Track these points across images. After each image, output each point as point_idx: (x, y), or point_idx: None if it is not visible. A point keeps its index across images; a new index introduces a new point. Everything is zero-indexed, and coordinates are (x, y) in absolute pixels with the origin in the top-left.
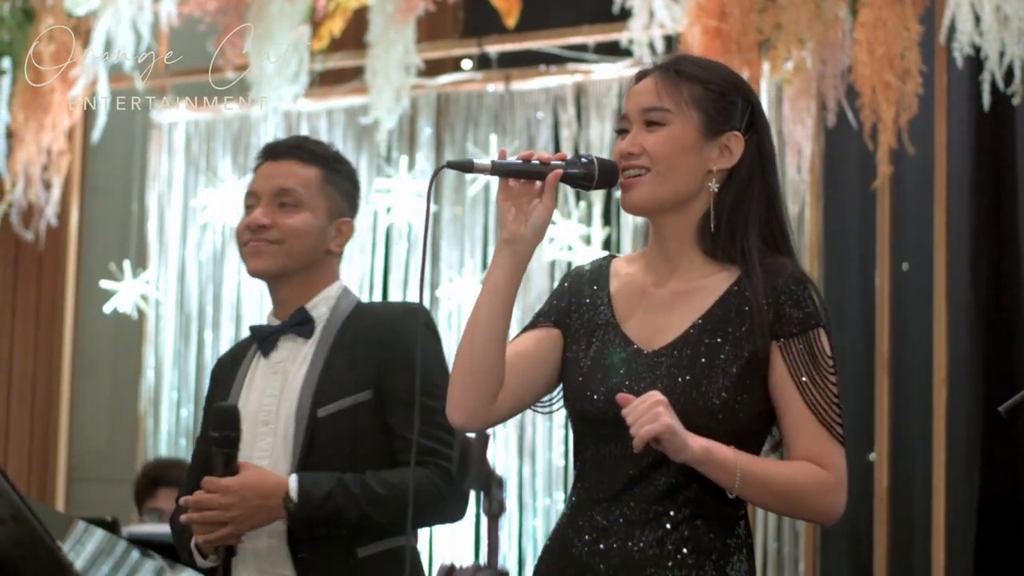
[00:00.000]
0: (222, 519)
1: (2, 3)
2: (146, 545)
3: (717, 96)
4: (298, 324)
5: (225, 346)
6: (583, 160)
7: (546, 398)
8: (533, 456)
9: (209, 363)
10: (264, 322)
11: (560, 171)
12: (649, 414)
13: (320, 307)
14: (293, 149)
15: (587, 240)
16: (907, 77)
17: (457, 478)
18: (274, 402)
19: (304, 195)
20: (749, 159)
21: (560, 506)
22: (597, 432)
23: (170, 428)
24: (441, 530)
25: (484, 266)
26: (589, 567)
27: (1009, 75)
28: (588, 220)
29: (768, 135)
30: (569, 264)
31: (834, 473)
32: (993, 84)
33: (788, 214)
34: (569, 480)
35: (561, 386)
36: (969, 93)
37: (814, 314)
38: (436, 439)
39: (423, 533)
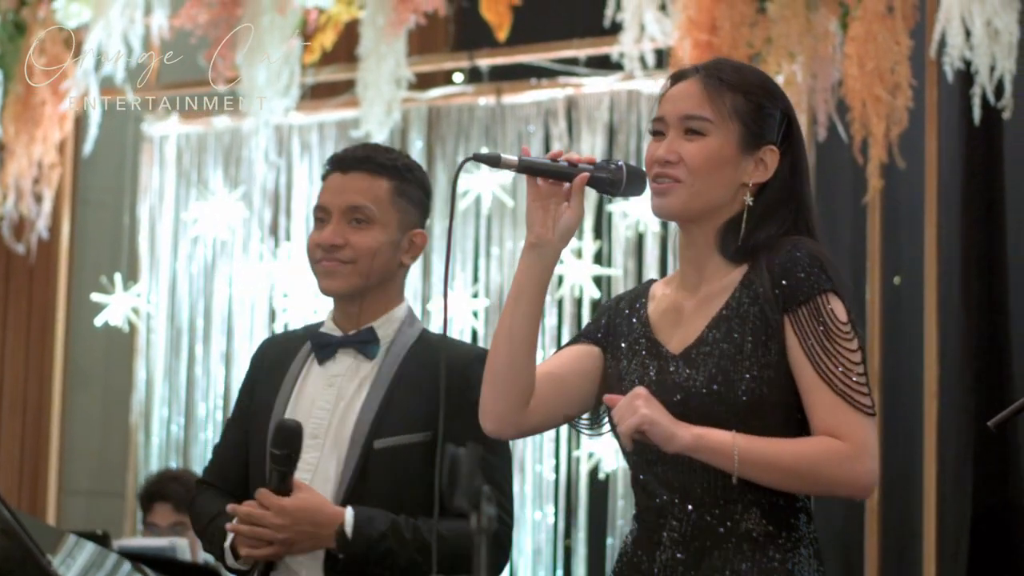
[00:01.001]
0: (270, 538)
1: None
2: (137, 559)
3: (756, 108)
4: (363, 342)
5: (216, 359)
6: (612, 166)
7: (586, 417)
8: (523, 469)
9: (200, 377)
10: (319, 325)
11: (587, 175)
12: (628, 409)
13: (386, 328)
14: (363, 162)
15: (578, 253)
16: (897, 91)
17: (446, 494)
18: (326, 416)
19: (376, 211)
20: (783, 173)
21: (551, 519)
22: (638, 444)
23: (161, 441)
24: None
25: (475, 279)
26: None
27: (999, 89)
28: (579, 234)
29: (802, 145)
30: (560, 278)
31: (852, 443)
32: (984, 98)
33: (817, 218)
34: (560, 493)
35: (603, 406)
36: (960, 107)
37: (821, 281)
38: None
39: None
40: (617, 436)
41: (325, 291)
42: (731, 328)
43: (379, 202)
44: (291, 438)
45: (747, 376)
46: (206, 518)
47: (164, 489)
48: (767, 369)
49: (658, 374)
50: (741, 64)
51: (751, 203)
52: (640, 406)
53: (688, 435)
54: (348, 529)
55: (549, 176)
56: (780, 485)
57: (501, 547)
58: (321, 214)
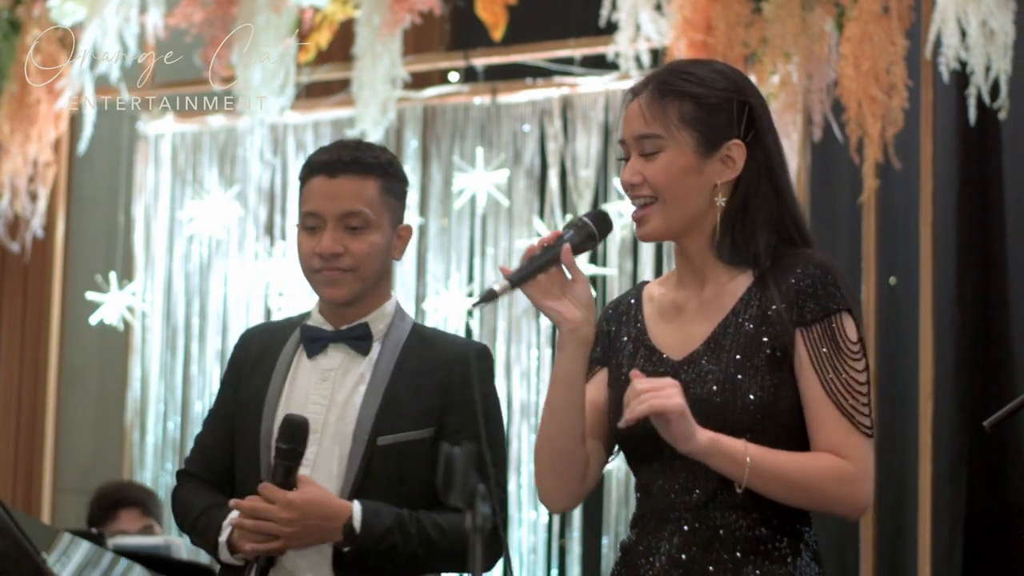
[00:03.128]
0: (276, 532)
1: None
2: (131, 557)
3: (710, 108)
4: (357, 338)
5: (211, 358)
6: (578, 225)
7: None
8: (518, 469)
9: (196, 375)
10: (305, 316)
11: (569, 246)
12: (663, 393)
13: (378, 323)
14: (350, 164)
15: None
16: (893, 92)
17: (441, 493)
18: (322, 411)
19: (371, 215)
20: (755, 163)
21: (545, 519)
22: (642, 450)
23: (156, 440)
24: None
25: (470, 279)
26: None
27: (995, 90)
28: None
29: (771, 131)
30: None
31: (855, 464)
32: (979, 99)
33: (800, 207)
34: None
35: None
36: (955, 107)
37: (836, 299)
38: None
39: None
40: (624, 438)
41: (330, 300)
42: (738, 337)
43: (372, 205)
44: (297, 433)
45: (753, 385)
46: (195, 510)
47: (129, 494)
48: (773, 380)
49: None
50: (691, 64)
51: (723, 204)
52: (675, 394)
53: (704, 438)
54: (356, 523)
55: (540, 272)
56: (781, 498)
57: (497, 540)
58: (313, 221)
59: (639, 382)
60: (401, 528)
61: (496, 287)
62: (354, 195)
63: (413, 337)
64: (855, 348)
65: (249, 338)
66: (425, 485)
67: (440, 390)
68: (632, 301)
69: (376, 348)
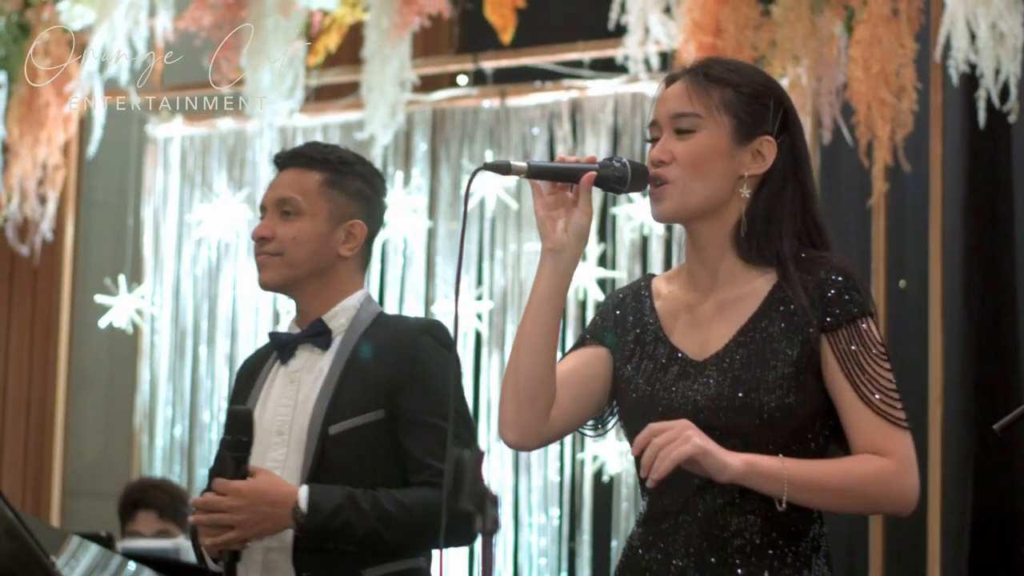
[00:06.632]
0: (229, 522)
1: None
2: (140, 560)
3: (748, 99)
4: (315, 335)
5: (220, 362)
6: (616, 163)
7: (593, 421)
8: (529, 471)
9: (204, 378)
10: (285, 329)
11: (594, 174)
12: (680, 438)
13: (339, 318)
14: (295, 157)
15: (583, 256)
16: (902, 94)
17: (451, 496)
18: (288, 412)
19: (303, 202)
20: (782, 163)
21: (556, 522)
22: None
23: (165, 443)
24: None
25: (479, 282)
26: None
27: (1004, 92)
28: None
29: (801, 136)
30: None
31: (896, 460)
32: (988, 102)
33: (822, 213)
34: (564, 496)
35: (609, 408)
36: (965, 110)
37: (860, 303)
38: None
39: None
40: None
41: (260, 284)
42: (762, 340)
43: (306, 193)
44: (241, 423)
45: (777, 389)
46: (194, 531)
47: (148, 496)
48: (796, 383)
49: (680, 381)
50: (732, 60)
51: (747, 195)
52: (692, 435)
53: (739, 463)
54: (303, 504)
55: (558, 179)
56: (828, 507)
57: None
58: (261, 213)
59: (654, 430)
60: (353, 505)
61: (514, 165)
62: (290, 184)
63: (374, 325)
64: (883, 350)
65: (243, 366)
66: (384, 469)
67: (387, 371)
68: (643, 294)
69: (337, 342)
